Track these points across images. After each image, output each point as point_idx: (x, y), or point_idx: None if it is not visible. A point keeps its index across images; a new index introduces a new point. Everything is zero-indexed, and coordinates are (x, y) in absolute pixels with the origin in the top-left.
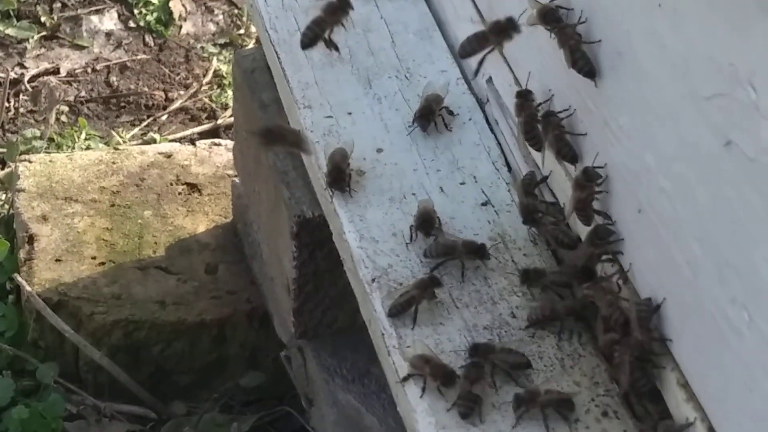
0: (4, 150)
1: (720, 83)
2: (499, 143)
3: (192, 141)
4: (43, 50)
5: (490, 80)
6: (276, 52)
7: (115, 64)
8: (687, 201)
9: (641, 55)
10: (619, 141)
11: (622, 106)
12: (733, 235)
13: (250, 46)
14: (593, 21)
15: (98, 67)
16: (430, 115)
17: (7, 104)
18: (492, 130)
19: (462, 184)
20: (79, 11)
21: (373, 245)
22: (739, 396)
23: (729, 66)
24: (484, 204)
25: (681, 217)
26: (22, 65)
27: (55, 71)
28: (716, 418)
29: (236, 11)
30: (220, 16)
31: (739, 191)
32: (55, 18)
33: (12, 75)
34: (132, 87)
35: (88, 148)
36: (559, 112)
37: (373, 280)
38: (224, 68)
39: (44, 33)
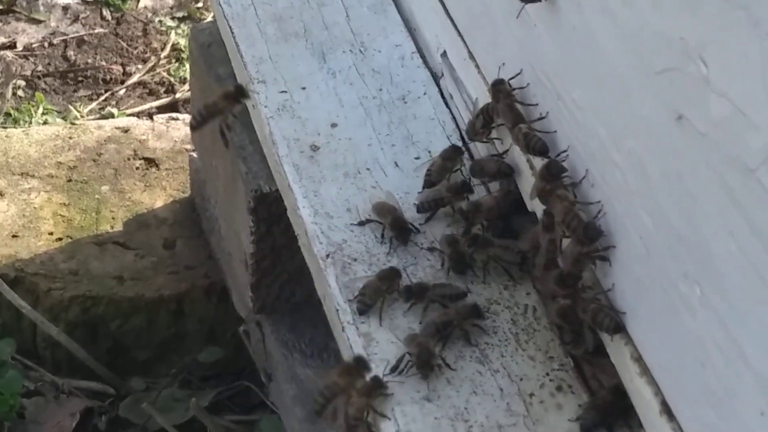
0: None
1: (671, 57)
2: (453, 117)
3: (150, 115)
4: None
5: (444, 54)
6: (230, 27)
7: (73, 38)
8: (639, 175)
9: (594, 28)
10: (573, 115)
11: (576, 80)
12: (683, 210)
13: (209, 19)
14: None
15: (55, 42)
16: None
17: None
18: (447, 104)
19: (417, 158)
20: None
21: (327, 221)
22: (692, 370)
23: (680, 40)
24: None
25: (633, 191)
26: None
27: (12, 45)
28: (669, 392)
29: None
30: None
31: (690, 166)
32: None
33: None
34: (89, 61)
35: (45, 123)
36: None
37: (328, 256)
38: (182, 42)
39: (1, 7)
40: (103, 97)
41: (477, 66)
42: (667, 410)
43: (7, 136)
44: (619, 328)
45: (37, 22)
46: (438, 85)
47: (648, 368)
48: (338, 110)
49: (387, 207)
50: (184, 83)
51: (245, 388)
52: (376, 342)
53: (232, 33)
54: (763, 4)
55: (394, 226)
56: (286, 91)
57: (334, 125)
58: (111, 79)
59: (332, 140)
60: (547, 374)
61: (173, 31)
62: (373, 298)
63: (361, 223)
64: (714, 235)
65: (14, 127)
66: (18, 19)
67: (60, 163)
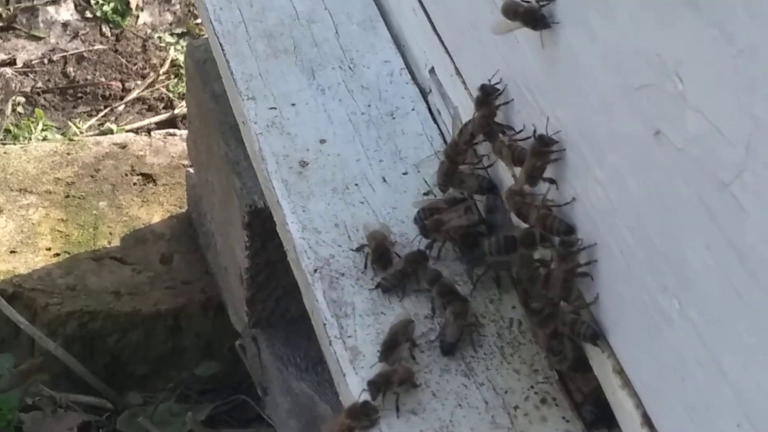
0: None
1: (648, 74)
2: (441, 133)
3: (149, 131)
4: None
5: (432, 71)
6: (220, 44)
7: (72, 54)
8: (620, 190)
9: (575, 46)
10: (556, 132)
11: (559, 97)
12: (662, 224)
13: (206, 36)
14: None
15: (55, 58)
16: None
17: None
18: (435, 119)
19: (404, 174)
20: (36, 2)
21: (315, 236)
22: (672, 384)
23: (657, 57)
24: (426, 194)
25: (614, 206)
26: None
27: (12, 62)
28: (650, 405)
29: (193, 0)
30: (177, 6)
31: (667, 181)
32: (11, 9)
33: None
34: (89, 77)
35: (44, 139)
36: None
37: (315, 271)
38: (181, 58)
39: (0, 24)
40: (102, 113)
41: (464, 82)
42: (648, 422)
43: (5, 153)
44: (596, 336)
45: (37, 38)
46: (426, 101)
47: (629, 381)
48: (327, 126)
49: (376, 234)
50: (182, 99)
51: (242, 401)
52: (363, 356)
53: (223, 50)
54: (735, 21)
55: (376, 252)
56: (275, 108)
57: (322, 141)
58: (110, 95)
59: (321, 156)
60: (532, 387)
61: (172, 48)
62: (397, 277)
63: (357, 249)
64: (691, 249)
65: (14, 144)
66: (18, 36)
67: (58, 179)
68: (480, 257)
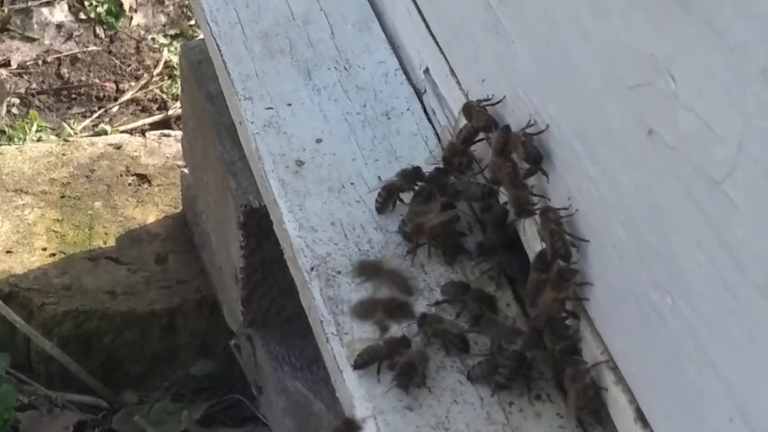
0: None
1: (641, 73)
2: (436, 133)
3: (143, 132)
4: None
5: (427, 71)
6: (217, 45)
7: (66, 56)
8: (612, 187)
9: (568, 44)
10: (549, 130)
11: (552, 96)
12: (654, 221)
13: (200, 36)
14: (524, 14)
15: (49, 59)
16: None
17: None
18: (429, 119)
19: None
20: (30, 3)
21: (312, 234)
22: (664, 378)
23: (649, 56)
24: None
25: (607, 202)
26: None
27: (6, 64)
28: (644, 400)
29: (186, 2)
30: (171, 7)
31: (660, 178)
32: (6, 10)
33: None
34: (83, 79)
35: (39, 140)
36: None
37: (312, 269)
38: (175, 59)
39: None
40: (96, 114)
41: (458, 82)
42: (641, 417)
43: (1, 153)
44: (569, 254)
45: (31, 40)
46: (421, 101)
47: (623, 377)
48: (323, 126)
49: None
50: (176, 100)
51: (237, 400)
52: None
53: (220, 51)
54: (726, 18)
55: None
56: (272, 108)
57: (318, 141)
58: (104, 96)
59: (317, 155)
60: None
61: (166, 49)
62: (388, 200)
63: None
64: (683, 245)
65: (8, 144)
66: (12, 38)
67: (53, 179)
68: (488, 251)
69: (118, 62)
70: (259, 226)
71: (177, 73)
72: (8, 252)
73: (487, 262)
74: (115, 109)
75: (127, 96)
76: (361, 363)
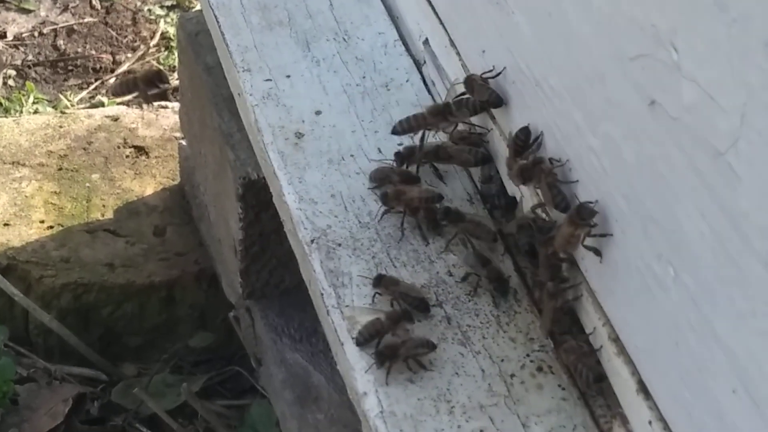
0: None
1: (643, 44)
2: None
3: (140, 104)
4: None
5: (426, 42)
6: (215, 16)
7: (62, 27)
8: (614, 159)
9: (570, 15)
10: (551, 101)
11: (553, 67)
12: (656, 192)
13: (197, 8)
14: None
15: (45, 31)
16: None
17: None
18: (429, 91)
19: (400, 145)
20: None
21: (311, 206)
22: (666, 350)
23: (651, 27)
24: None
25: (609, 174)
26: None
27: (2, 35)
28: (645, 371)
29: None
30: None
31: (662, 149)
32: None
33: None
34: (79, 50)
35: (36, 112)
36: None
37: (312, 241)
38: (171, 30)
39: None
40: (93, 86)
41: (458, 53)
42: (643, 389)
43: None
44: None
45: (27, 11)
46: (420, 73)
47: (625, 348)
48: (322, 98)
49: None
50: (173, 71)
51: (236, 372)
52: (360, 325)
53: (218, 22)
54: None
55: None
56: (270, 80)
57: (318, 113)
58: (101, 68)
59: (316, 127)
60: (528, 355)
61: (162, 20)
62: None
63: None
64: (686, 216)
65: (5, 117)
66: (8, 9)
67: (51, 151)
68: (453, 218)
69: (114, 34)
70: (257, 198)
71: (173, 44)
72: (6, 225)
73: (453, 227)
74: (111, 80)
75: (124, 68)
76: (362, 341)
